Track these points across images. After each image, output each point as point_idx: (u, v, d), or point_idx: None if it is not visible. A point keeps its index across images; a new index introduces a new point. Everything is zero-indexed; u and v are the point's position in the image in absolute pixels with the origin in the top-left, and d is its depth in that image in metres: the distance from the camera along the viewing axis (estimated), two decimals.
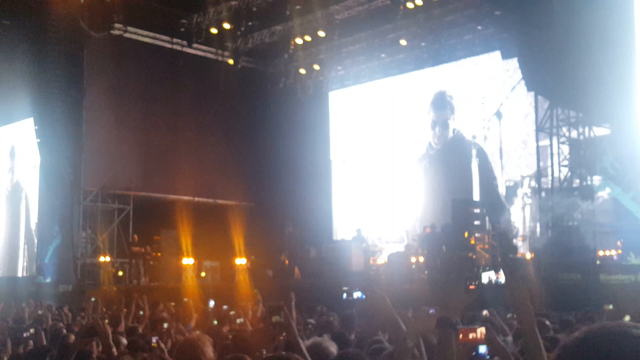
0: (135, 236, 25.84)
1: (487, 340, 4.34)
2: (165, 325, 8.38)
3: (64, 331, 9.30)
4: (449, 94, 25.92)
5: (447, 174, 25.45)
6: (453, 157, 25.32)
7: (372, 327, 4.54)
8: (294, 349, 4.91)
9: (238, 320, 9.49)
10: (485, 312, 9.86)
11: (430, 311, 10.30)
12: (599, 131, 19.52)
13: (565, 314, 11.17)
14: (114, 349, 6.08)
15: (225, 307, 13.07)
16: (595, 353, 1.47)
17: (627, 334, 1.50)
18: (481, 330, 4.28)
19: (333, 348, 4.71)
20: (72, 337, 9.79)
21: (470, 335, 4.14)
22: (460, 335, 4.04)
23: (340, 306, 13.32)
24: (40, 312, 14.31)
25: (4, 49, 27.76)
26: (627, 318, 10.65)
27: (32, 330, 7.81)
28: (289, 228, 23.60)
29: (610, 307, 11.40)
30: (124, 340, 7.32)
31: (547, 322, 8.43)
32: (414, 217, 26.10)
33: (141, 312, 11.17)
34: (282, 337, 5.18)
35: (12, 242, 30.89)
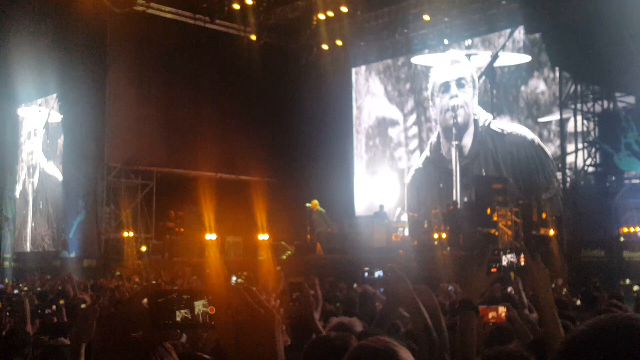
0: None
1: (509, 319, 4.34)
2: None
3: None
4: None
5: (488, 155, 25.34)
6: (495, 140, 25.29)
7: (391, 304, 4.53)
8: (310, 325, 4.93)
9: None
10: (509, 289, 9.85)
11: (449, 288, 10.34)
12: (622, 105, 19.32)
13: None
14: None
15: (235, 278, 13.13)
16: (604, 348, 1.35)
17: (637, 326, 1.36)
18: (502, 309, 4.28)
19: (359, 328, 4.71)
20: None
21: (491, 315, 4.14)
22: (482, 315, 4.04)
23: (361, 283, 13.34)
24: (60, 287, 14.45)
25: (27, 26, 27.86)
26: (635, 288, 10.61)
27: (54, 307, 7.89)
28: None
29: (628, 281, 11.39)
30: None
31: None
32: (437, 193, 26.04)
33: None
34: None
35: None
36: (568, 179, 19.95)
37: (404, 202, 26.79)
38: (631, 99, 19.41)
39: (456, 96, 26.09)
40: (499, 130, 24.99)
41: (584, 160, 19.25)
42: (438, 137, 26.62)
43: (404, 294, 3.65)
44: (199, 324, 1.63)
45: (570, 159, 20.38)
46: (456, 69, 26.21)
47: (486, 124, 25.24)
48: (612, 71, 17.93)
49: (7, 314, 8.64)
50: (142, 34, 26.46)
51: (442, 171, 26.17)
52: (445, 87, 26.45)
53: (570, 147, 20.46)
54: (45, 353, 5.16)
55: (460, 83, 26.07)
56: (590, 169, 19.19)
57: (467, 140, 25.74)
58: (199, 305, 1.63)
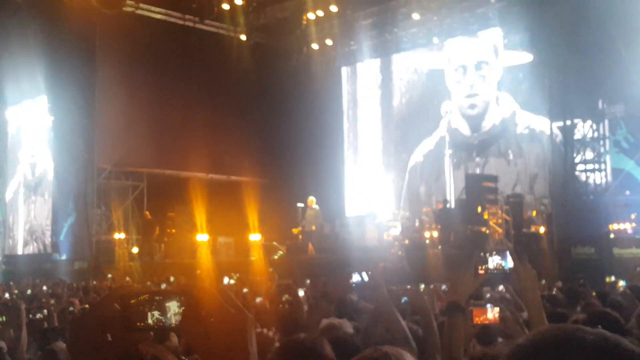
0: (147, 213, 25.98)
1: (502, 320, 4.35)
2: None
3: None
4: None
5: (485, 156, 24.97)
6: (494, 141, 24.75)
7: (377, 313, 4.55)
8: (299, 327, 4.94)
9: (258, 299, 9.52)
10: (501, 288, 9.87)
11: (443, 287, 10.35)
12: (614, 106, 19.37)
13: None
14: None
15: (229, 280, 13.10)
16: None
17: (580, 340, 1.27)
18: (495, 311, 4.29)
19: (349, 329, 4.73)
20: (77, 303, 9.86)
21: (484, 317, 4.15)
22: (475, 317, 4.04)
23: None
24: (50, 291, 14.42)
25: (17, 28, 27.77)
26: (620, 283, 10.65)
27: (45, 312, 7.85)
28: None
29: (613, 278, 11.44)
30: None
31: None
32: (429, 192, 26.04)
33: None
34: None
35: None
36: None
37: (399, 203, 26.51)
38: (620, 97, 19.46)
39: (474, 81, 25.33)
40: (523, 125, 24.11)
41: (573, 158, 19.29)
42: (448, 128, 25.79)
43: (381, 302, 3.65)
44: (172, 325, 1.63)
45: (559, 156, 20.36)
46: (474, 51, 25.39)
47: (508, 115, 24.49)
48: (601, 70, 17.98)
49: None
50: (131, 34, 26.38)
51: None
52: (463, 70, 25.67)
53: (560, 145, 20.43)
54: (43, 357, 5.15)
55: (479, 66, 25.37)
56: (580, 166, 19.23)
57: (486, 128, 25.10)
58: (172, 307, 1.63)
